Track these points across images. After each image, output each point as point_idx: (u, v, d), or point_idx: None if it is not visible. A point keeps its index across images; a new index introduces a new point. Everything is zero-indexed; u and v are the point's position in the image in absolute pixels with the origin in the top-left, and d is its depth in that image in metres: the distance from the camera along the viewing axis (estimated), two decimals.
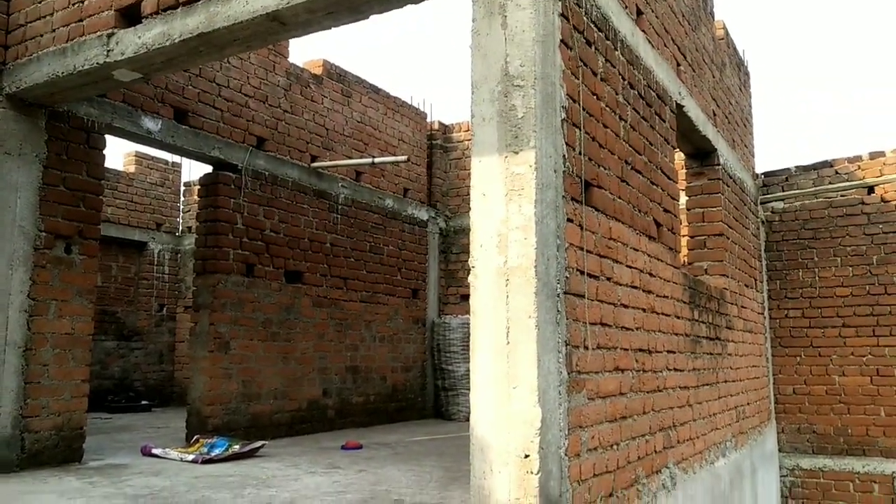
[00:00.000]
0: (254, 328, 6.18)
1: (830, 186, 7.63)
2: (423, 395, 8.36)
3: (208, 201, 6.09)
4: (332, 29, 3.82)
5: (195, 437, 5.29)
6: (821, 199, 7.68)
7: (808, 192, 7.73)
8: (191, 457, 4.81)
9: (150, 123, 5.48)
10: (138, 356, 9.91)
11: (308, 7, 3.48)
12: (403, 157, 7.31)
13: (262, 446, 5.21)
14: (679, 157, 5.74)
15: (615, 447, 3.17)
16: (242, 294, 6.10)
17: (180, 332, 10.35)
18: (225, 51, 4.05)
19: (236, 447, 5.03)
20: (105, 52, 4.04)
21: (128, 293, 10.07)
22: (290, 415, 6.45)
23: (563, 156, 2.97)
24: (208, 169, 6.24)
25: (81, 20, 4.23)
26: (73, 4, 4.33)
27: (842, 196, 7.57)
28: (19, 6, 4.62)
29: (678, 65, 4.81)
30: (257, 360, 6.18)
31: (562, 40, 3.02)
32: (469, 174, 2.94)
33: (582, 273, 3.03)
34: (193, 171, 13.49)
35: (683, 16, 5.08)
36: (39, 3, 4.51)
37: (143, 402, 9.24)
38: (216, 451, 4.91)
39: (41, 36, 4.46)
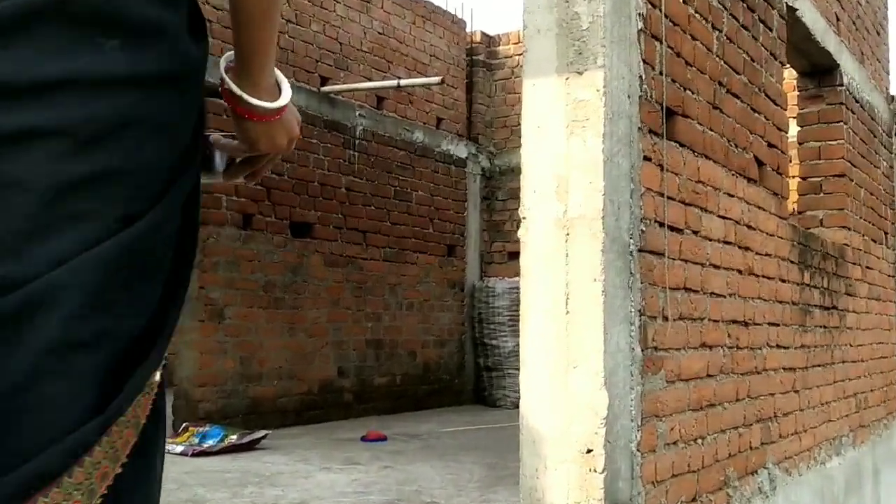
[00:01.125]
0: (253, 293, 6.31)
1: None
2: (460, 376, 8.48)
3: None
4: None
5: (184, 425, 5.47)
6: None
7: None
8: (179, 448, 5.00)
9: None
10: None
11: None
12: (437, 79, 7.29)
13: (264, 437, 5.38)
14: (790, 75, 5.63)
15: (700, 442, 3.21)
16: (239, 250, 6.22)
17: None
18: None
19: (233, 438, 5.20)
20: None
21: None
22: (298, 399, 6.62)
23: (640, 77, 2.96)
24: None
25: None
26: None
27: None
28: None
29: None
30: (258, 332, 6.33)
31: None
32: (519, 99, 2.95)
33: (661, 225, 3.04)
34: None
35: None
36: None
37: None
38: (209, 442, 5.09)
39: None
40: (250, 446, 5.24)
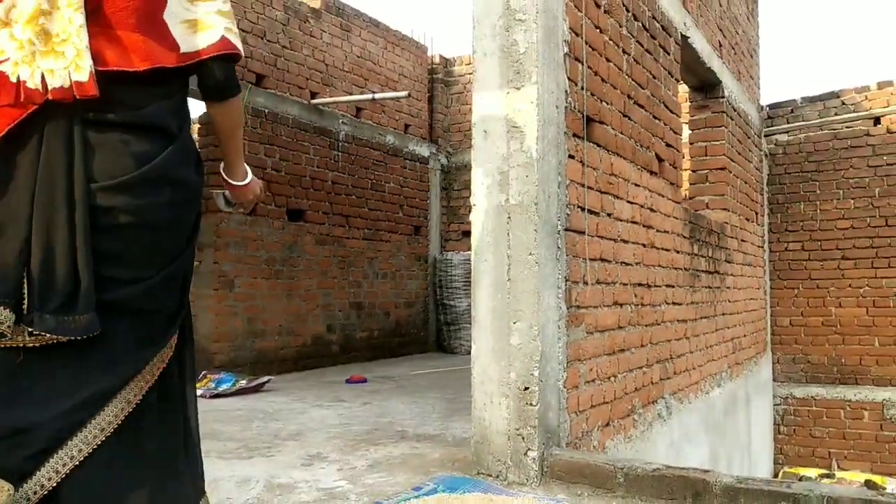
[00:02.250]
0: (257, 266, 6.24)
1: (836, 118, 7.56)
2: (425, 330, 8.50)
3: (208, 140, 6.06)
4: None
5: (202, 374, 5.41)
6: (826, 131, 7.62)
7: (813, 123, 7.67)
8: (199, 392, 4.94)
9: None
10: None
11: None
12: (404, 93, 7.23)
13: (268, 381, 5.34)
14: (683, 89, 5.68)
15: (613, 379, 3.26)
16: (245, 233, 6.14)
17: None
18: None
19: (243, 382, 5.16)
20: None
21: None
22: (295, 350, 6.58)
23: (566, 91, 2.95)
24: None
25: None
26: None
27: (847, 128, 7.51)
28: None
29: None
30: (262, 297, 6.27)
31: None
32: (471, 109, 2.93)
33: (583, 209, 3.05)
34: (192, 109, 13.32)
35: None
36: None
37: None
38: (224, 387, 5.04)
39: None
40: (257, 389, 5.20)
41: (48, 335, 1.42)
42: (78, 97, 1.39)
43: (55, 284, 1.42)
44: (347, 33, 7.55)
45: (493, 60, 2.81)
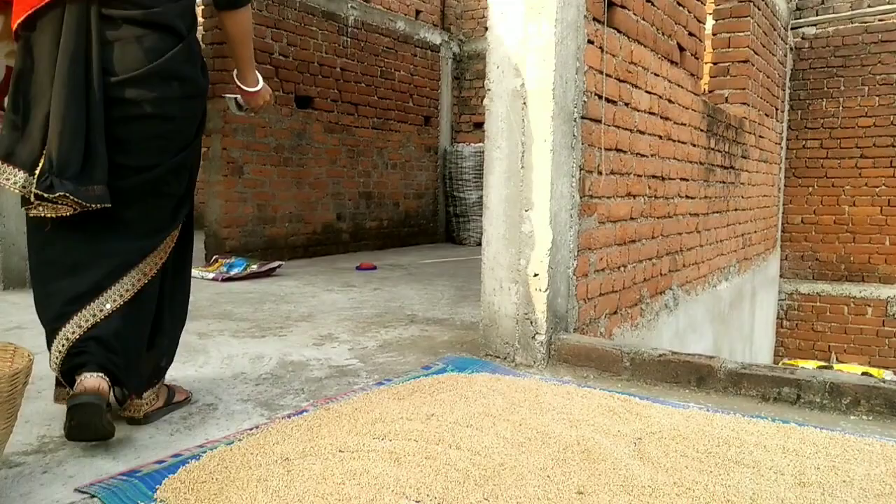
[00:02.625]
0: (266, 153, 6.20)
1: (869, 10, 7.23)
2: (434, 221, 8.53)
3: (213, 23, 5.88)
4: None
5: (214, 258, 5.49)
6: (856, 24, 7.32)
7: (843, 16, 7.35)
8: (211, 275, 5.03)
9: None
10: None
11: None
12: None
13: (279, 266, 5.42)
14: None
15: (622, 269, 3.29)
16: (253, 119, 6.06)
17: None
18: None
19: (254, 266, 5.23)
20: None
21: None
22: (305, 237, 6.64)
23: None
24: None
25: None
26: None
27: (880, 20, 7.20)
28: None
29: None
30: (271, 184, 6.26)
31: None
32: None
33: (600, 97, 2.98)
34: None
35: None
36: None
37: None
38: (235, 270, 5.12)
39: None
40: (268, 273, 5.28)
41: (66, 206, 1.63)
42: None
43: (71, 155, 1.62)
44: None
45: None
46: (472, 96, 8.77)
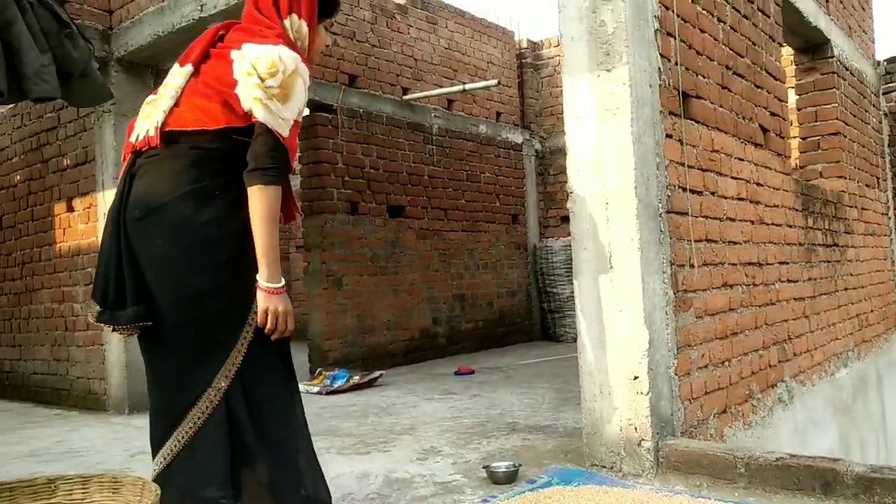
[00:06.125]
0: (363, 264, 6.40)
1: None
2: (529, 319, 8.45)
3: (309, 144, 6.26)
4: None
5: (318, 371, 5.61)
6: None
7: None
8: (315, 389, 5.13)
9: None
10: None
11: None
12: (493, 81, 7.18)
13: (380, 376, 5.47)
14: (787, 51, 5.35)
15: (727, 364, 3.13)
16: (349, 231, 6.30)
17: (294, 272, 10.85)
18: None
19: (356, 378, 5.31)
20: (199, 8, 4.20)
21: None
22: (403, 344, 6.71)
23: (658, 69, 2.85)
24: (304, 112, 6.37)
25: None
26: None
27: None
28: None
29: None
30: (369, 294, 6.42)
31: None
32: (562, 92, 2.87)
33: (684, 189, 2.94)
34: None
35: None
36: None
37: None
38: (338, 383, 5.20)
39: None
40: (370, 384, 5.34)
41: (128, 326, 1.84)
42: (151, 145, 1.86)
43: (110, 286, 1.85)
44: (434, 26, 7.58)
45: (580, 44, 2.75)
46: (556, 191, 8.83)
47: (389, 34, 7.02)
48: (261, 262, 1.79)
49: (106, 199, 4.77)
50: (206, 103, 1.85)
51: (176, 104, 1.88)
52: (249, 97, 1.79)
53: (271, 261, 1.79)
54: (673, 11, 2.96)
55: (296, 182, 10.13)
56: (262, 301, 1.79)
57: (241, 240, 1.82)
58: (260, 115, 1.78)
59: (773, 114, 3.99)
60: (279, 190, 1.81)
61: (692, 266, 2.94)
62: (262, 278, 1.79)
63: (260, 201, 1.77)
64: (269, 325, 1.80)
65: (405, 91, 7.08)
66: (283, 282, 1.82)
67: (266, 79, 1.78)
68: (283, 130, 1.80)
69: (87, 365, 5.03)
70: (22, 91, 2.91)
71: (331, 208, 6.19)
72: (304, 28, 1.95)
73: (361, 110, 6.55)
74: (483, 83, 7.34)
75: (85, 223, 5.11)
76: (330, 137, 6.26)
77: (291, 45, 1.89)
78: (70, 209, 5.25)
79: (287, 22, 1.92)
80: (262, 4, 1.93)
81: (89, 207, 5.05)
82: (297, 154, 1.99)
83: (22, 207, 5.79)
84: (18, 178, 5.84)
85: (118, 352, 4.72)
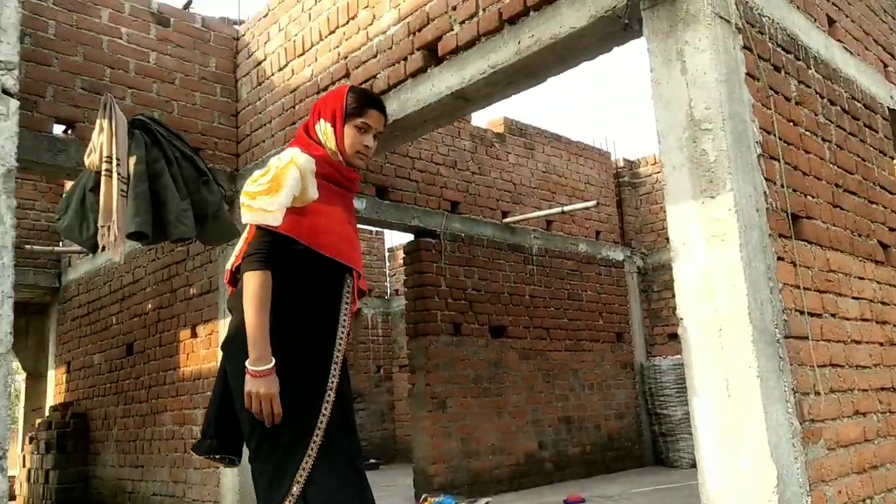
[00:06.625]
0: (466, 385, 6.39)
1: None
2: (640, 443, 8.07)
3: (413, 268, 6.47)
4: (513, 96, 3.98)
5: (423, 496, 5.54)
6: None
7: None
8: None
9: (357, 202, 5.99)
10: (362, 416, 10.56)
11: (489, 81, 3.68)
12: (592, 202, 7.29)
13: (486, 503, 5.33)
14: None
15: (868, 502, 2.88)
16: (453, 353, 6.35)
17: (397, 392, 10.92)
18: (417, 132, 4.42)
19: None
20: None
21: (349, 357, 10.84)
22: (509, 469, 6.54)
23: (764, 192, 2.84)
24: (408, 234, 6.65)
25: (294, 123, 4.78)
26: (286, 110, 4.91)
27: None
28: (244, 119, 5.32)
29: (885, 66, 4.39)
30: (472, 416, 6.37)
31: (747, 73, 2.91)
32: (662, 208, 2.92)
33: (801, 313, 2.84)
34: (395, 237, 14.36)
35: (885, 11, 4.65)
36: (260, 113, 5.16)
37: (372, 460, 9.79)
38: None
39: (263, 142, 5.10)
40: None
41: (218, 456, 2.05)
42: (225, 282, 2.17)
43: (206, 423, 2.09)
44: (531, 151, 7.85)
45: (682, 172, 2.79)
46: (661, 307, 8.63)
47: (489, 161, 7.32)
48: (251, 344, 1.86)
49: (226, 326, 5.07)
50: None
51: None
52: (241, 208, 2.05)
53: (256, 342, 1.85)
54: (775, 135, 2.98)
55: (400, 304, 10.41)
56: (256, 385, 1.84)
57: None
58: (245, 218, 2.02)
59: (891, 229, 3.85)
60: (266, 274, 1.92)
61: (818, 393, 2.79)
62: (248, 361, 1.85)
63: (246, 286, 1.92)
64: (253, 409, 1.83)
65: (505, 214, 7.28)
66: (269, 364, 1.85)
67: (258, 179, 1.99)
68: (272, 221, 1.95)
69: (202, 487, 5.18)
70: (164, 233, 3.23)
71: (434, 330, 6.29)
72: (328, 128, 2.08)
73: (463, 234, 6.76)
74: (582, 204, 7.45)
75: (206, 349, 5.41)
76: (433, 261, 6.46)
77: (309, 147, 2.07)
78: (194, 335, 5.60)
79: (318, 127, 2.12)
80: (308, 122, 2.17)
81: (211, 334, 5.37)
82: (318, 235, 2.01)
83: (151, 333, 6.22)
84: (150, 306, 6.31)
85: (232, 475, 4.84)
